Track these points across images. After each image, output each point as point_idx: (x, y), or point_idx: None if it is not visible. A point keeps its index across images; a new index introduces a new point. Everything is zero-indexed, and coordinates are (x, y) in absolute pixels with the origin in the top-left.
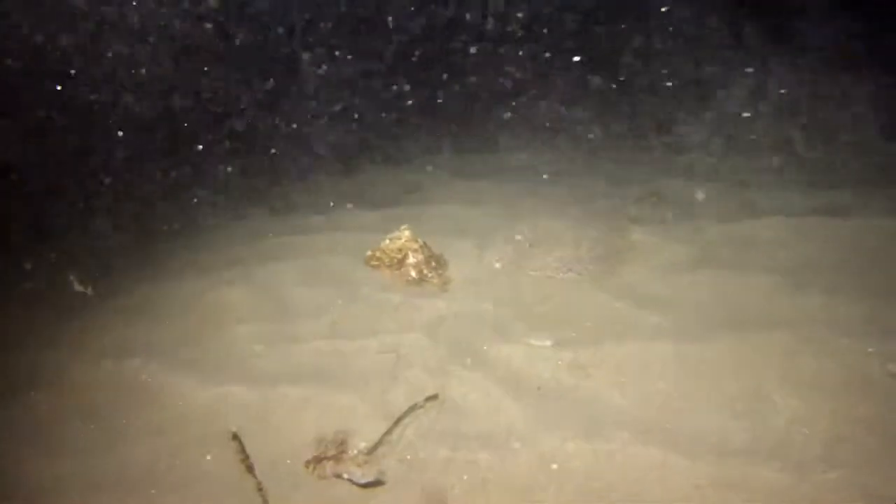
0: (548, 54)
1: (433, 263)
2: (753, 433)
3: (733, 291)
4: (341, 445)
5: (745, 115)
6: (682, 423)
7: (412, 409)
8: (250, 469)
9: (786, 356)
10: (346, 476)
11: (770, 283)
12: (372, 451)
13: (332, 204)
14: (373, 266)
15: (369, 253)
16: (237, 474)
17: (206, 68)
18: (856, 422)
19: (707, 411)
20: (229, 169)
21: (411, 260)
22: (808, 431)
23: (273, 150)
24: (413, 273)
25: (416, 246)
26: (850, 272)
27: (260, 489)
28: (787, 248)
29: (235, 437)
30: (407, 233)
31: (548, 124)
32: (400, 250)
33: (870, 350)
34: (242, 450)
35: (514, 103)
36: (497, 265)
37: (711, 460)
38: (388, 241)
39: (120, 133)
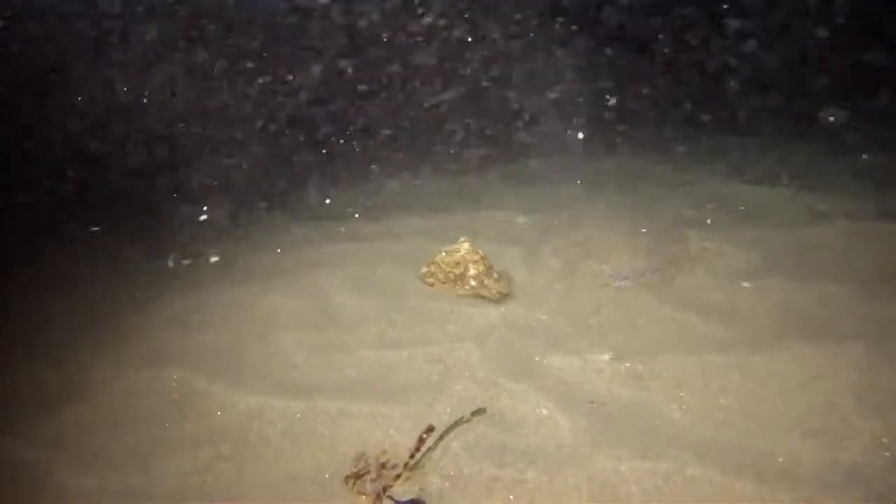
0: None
1: (495, 275)
2: (827, 456)
3: (801, 301)
4: (382, 461)
5: (810, 116)
6: (747, 443)
7: (458, 423)
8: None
9: (861, 371)
10: (387, 493)
11: (840, 292)
12: (414, 467)
13: (375, 210)
14: (428, 283)
15: (424, 269)
16: (271, 490)
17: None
18: None
19: (774, 431)
20: (273, 175)
21: (472, 272)
22: (889, 455)
23: (322, 154)
24: (474, 284)
25: (476, 257)
26: None
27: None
28: (856, 254)
29: (430, 429)
30: (466, 245)
31: (597, 126)
32: (458, 263)
33: None
34: (418, 447)
35: (555, 105)
36: (550, 274)
37: (780, 486)
38: (444, 255)
39: (157, 139)
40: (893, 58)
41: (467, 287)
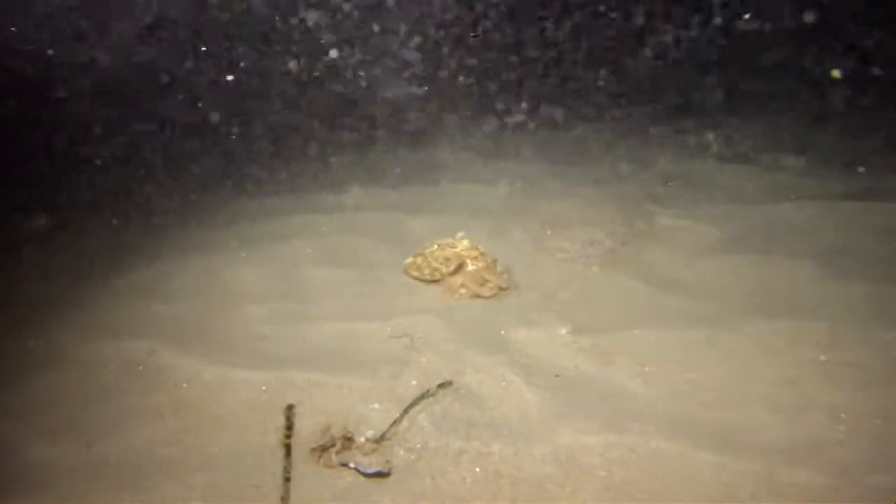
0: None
1: (498, 268)
2: (789, 430)
3: (766, 277)
4: (348, 433)
5: (773, 96)
6: (711, 417)
7: (424, 395)
8: (288, 450)
9: (824, 347)
10: (352, 465)
11: (805, 270)
12: (380, 439)
13: (344, 182)
14: (412, 276)
15: (409, 260)
16: (236, 463)
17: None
18: None
19: (738, 404)
20: (245, 145)
21: (470, 268)
22: (847, 429)
23: (290, 128)
24: (472, 285)
25: (476, 254)
26: (888, 259)
27: (286, 472)
28: (821, 233)
29: (290, 408)
30: (465, 241)
31: (567, 104)
32: (448, 259)
33: None
34: (289, 427)
35: (527, 82)
36: (516, 248)
37: (743, 458)
38: (435, 247)
39: (127, 107)
40: (861, 38)
41: (462, 291)
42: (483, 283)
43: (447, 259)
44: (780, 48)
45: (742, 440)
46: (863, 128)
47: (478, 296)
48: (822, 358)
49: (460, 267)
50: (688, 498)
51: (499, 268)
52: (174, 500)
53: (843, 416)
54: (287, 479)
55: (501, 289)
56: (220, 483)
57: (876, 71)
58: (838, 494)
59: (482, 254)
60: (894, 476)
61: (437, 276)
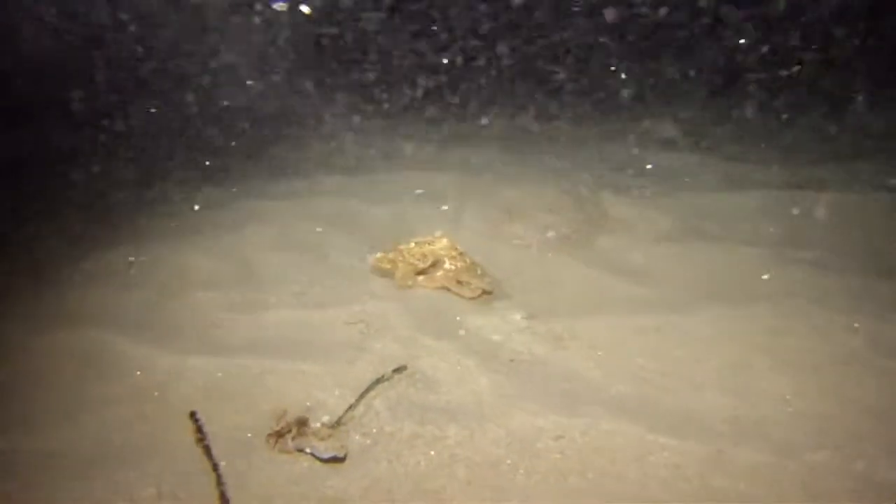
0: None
1: (478, 271)
2: (737, 411)
3: (716, 264)
4: (304, 419)
5: (725, 89)
6: (661, 400)
7: (379, 380)
8: (207, 451)
9: (771, 331)
10: (308, 450)
11: (754, 256)
12: (336, 424)
13: (301, 169)
14: (383, 268)
15: (380, 255)
16: (191, 450)
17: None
18: (843, 400)
19: (688, 387)
20: (197, 132)
21: (448, 267)
22: (794, 410)
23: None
24: (449, 283)
25: (454, 254)
26: (837, 246)
27: (215, 470)
28: (770, 221)
29: (193, 416)
30: (444, 240)
31: (523, 96)
32: (425, 256)
33: (856, 325)
34: (199, 430)
35: (493, 71)
36: (471, 234)
37: (692, 438)
38: (413, 245)
39: (80, 98)
40: (811, 29)
41: (441, 285)
42: (462, 283)
43: (423, 255)
44: (739, 40)
45: (692, 422)
46: (817, 120)
47: (456, 294)
48: (770, 342)
49: (436, 265)
50: (640, 479)
51: (479, 270)
52: (128, 488)
53: (788, 397)
54: (219, 479)
55: (486, 292)
56: (174, 470)
57: (831, 64)
58: (783, 472)
59: (461, 254)
60: (835, 454)
61: (414, 270)
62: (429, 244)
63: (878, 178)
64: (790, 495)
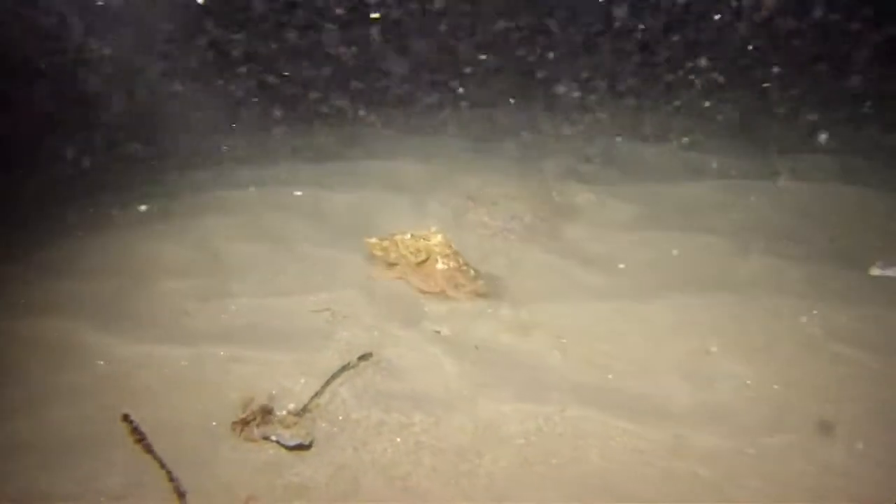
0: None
1: (472, 273)
2: (697, 397)
3: (678, 252)
4: (269, 407)
5: (694, 79)
6: (624, 386)
7: (344, 368)
8: (148, 450)
9: (731, 318)
10: (273, 438)
11: (716, 245)
12: (301, 412)
13: (263, 157)
14: (377, 254)
15: (374, 240)
16: (156, 440)
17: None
18: (800, 385)
19: (650, 374)
20: (162, 118)
21: (440, 266)
22: (752, 395)
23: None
24: (442, 283)
25: (448, 251)
26: (796, 235)
27: (163, 467)
28: (732, 210)
29: (127, 418)
30: (439, 237)
31: (489, 83)
32: (420, 251)
33: (814, 312)
34: (135, 430)
35: (449, 62)
36: (438, 223)
37: (654, 424)
38: (409, 236)
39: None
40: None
41: (435, 286)
42: (458, 287)
43: (418, 250)
44: (707, 30)
45: (654, 407)
46: (782, 111)
47: (449, 297)
48: (730, 329)
49: (427, 261)
50: (603, 464)
51: (471, 272)
52: (93, 478)
53: (748, 382)
54: (169, 474)
55: (479, 295)
56: (139, 460)
57: (800, 57)
58: (741, 456)
59: (455, 252)
60: (791, 436)
61: (402, 263)
62: (424, 239)
63: (838, 169)
64: (747, 478)
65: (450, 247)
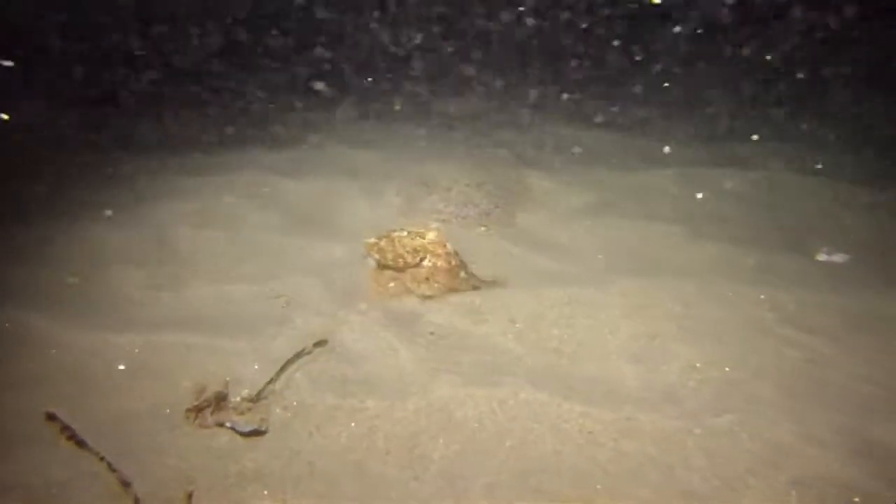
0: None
1: (462, 274)
2: (647, 379)
3: (631, 239)
4: (223, 393)
5: (652, 65)
6: (576, 369)
7: (299, 354)
8: (82, 444)
9: (682, 303)
10: (228, 424)
11: (668, 232)
12: (256, 398)
13: (217, 143)
14: (372, 256)
15: (373, 240)
16: (111, 429)
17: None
18: (747, 367)
19: (601, 358)
20: (113, 103)
21: (427, 263)
22: (701, 377)
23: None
24: (419, 282)
25: (440, 251)
26: (747, 222)
27: (102, 459)
28: (686, 197)
29: (51, 417)
30: (432, 234)
31: (446, 71)
32: (416, 251)
33: (762, 297)
34: (64, 428)
35: (416, 52)
36: (392, 210)
37: (605, 406)
38: (405, 234)
39: None
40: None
41: (432, 284)
42: (451, 288)
43: (415, 250)
44: (671, 23)
45: (605, 390)
46: (737, 100)
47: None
48: (681, 313)
49: (423, 261)
50: (555, 445)
51: (463, 273)
52: (40, 469)
53: (698, 365)
54: (110, 465)
55: (475, 287)
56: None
57: (758, 46)
58: (689, 436)
59: (448, 253)
60: (738, 416)
61: (400, 263)
62: (420, 236)
63: (791, 158)
64: (694, 457)
65: (444, 246)
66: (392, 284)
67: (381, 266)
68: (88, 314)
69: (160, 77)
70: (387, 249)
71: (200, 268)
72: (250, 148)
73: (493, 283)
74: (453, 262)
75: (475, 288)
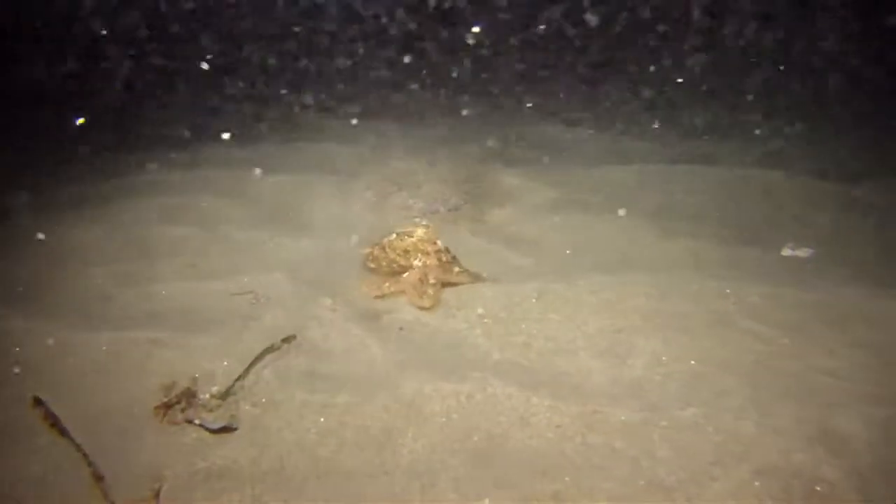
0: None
1: (456, 269)
2: (614, 373)
3: (600, 234)
4: (192, 390)
5: (619, 62)
6: (544, 363)
7: (268, 350)
8: (63, 433)
9: (648, 297)
10: (197, 422)
11: (636, 227)
12: (225, 395)
13: (187, 139)
14: (370, 268)
15: (368, 250)
16: (77, 425)
17: None
18: (712, 360)
19: (569, 352)
20: (80, 99)
21: (417, 263)
22: (667, 371)
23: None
24: (415, 289)
25: (429, 249)
26: (713, 217)
27: (79, 450)
28: (654, 193)
29: (38, 402)
30: (420, 231)
31: (419, 67)
32: (407, 252)
33: (727, 291)
34: (48, 416)
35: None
36: (363, 205)
37: (572, 400)
38: (394, 237)
39: None
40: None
41: (425, 288)
42: (421, 285)
43: (406, 251)
44: (637, 19)
45: (572, 384)
46: (703, 98)
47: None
48: (647, 307)
49: (415, 261)
50: (523, 439)
51: (456, 269)
52: (11, 465)
53: (664, 359)
54: (86, 457)
55: (473, 281)
56: (57, 447)
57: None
58: (654, 428)
59: (438, 251)
60: (702, 409)
61: (395, 267)
62: (409, 235)
63: (759, 155)
64: (659, 449)
65: (435, 243)
66: (386, 292)
67: (379, 273)
68: (55, 311)
69: (128, 72)
70: (380, 258)
71: (169, 264)
72: (221, 144)
73: (487, 278)
74: (444, 259)
75: (474, 281)
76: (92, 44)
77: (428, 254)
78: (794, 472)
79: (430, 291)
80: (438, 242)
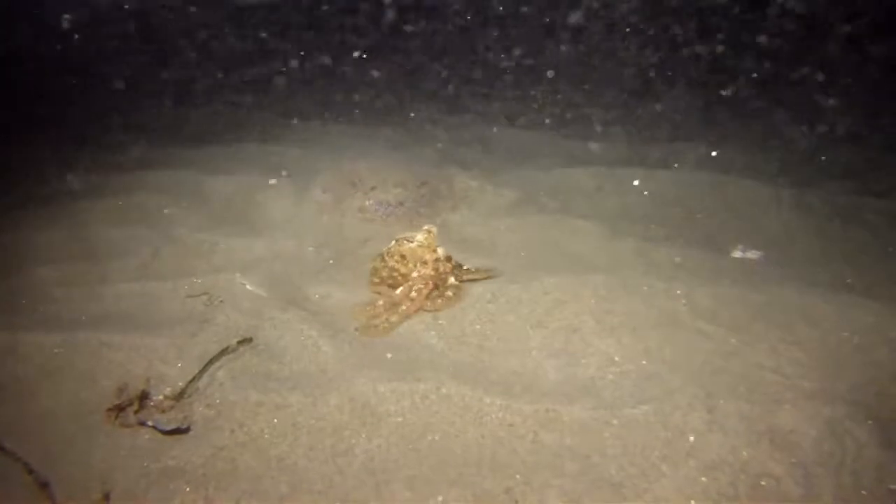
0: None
1: (452, 279)
2: (567, 373)
3: (552, 236)
4: (145, 392)
5: (578, 67)
6: (497, 364)
7: (222, 352)
8: None
9: (601, 298)
10: (149, 423)
11: (588, 229)
12: (178, 396)
13: (139, 140)
14: (373, 283)
15: (371, 264)
16: (29, 430)
17: None
18: (662, 360)
19: (523, 352)
20: (27, 98)
21: (415, 275)
22: (618, 370)
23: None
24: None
25: (427, 257)
26: (665, 220)
27: (17, 460)
28: (607, 196)
29: None
30: (420, 236)
31: (371, 69)
32: (405, 257)
33: (678, 292)
34: None
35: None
36: (318, 206)
37: (525, 399)
38: (393, 243)
39: None
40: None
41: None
42: (413, 295)
43: (402, 257)
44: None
45: (525, 384)
46: (662, 102)
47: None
48: (600, 308)
49: (411, 269)
50: (477, 438)
51: (451, 279)
52: None
53: (616, 358)
54: (26, 465)
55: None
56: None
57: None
58: (606, 426)
59: (438, 259)
60: (652, 406)
61: (397, 276)
62: (408, 241)
63: (712, 159)
64: (610, 446)
65: (434, 251)
66: (377, 315)
67: (382, 286)
68: (4, 313)
69: (75, 74)
70: (380, 269)
71: (120, 265)
72: (174, 145)
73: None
74: (441, 269)
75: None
76: (35, 42)
77: (426, 263)
78: (740, 468)
79: (429, 302)
80: (439, 250)
